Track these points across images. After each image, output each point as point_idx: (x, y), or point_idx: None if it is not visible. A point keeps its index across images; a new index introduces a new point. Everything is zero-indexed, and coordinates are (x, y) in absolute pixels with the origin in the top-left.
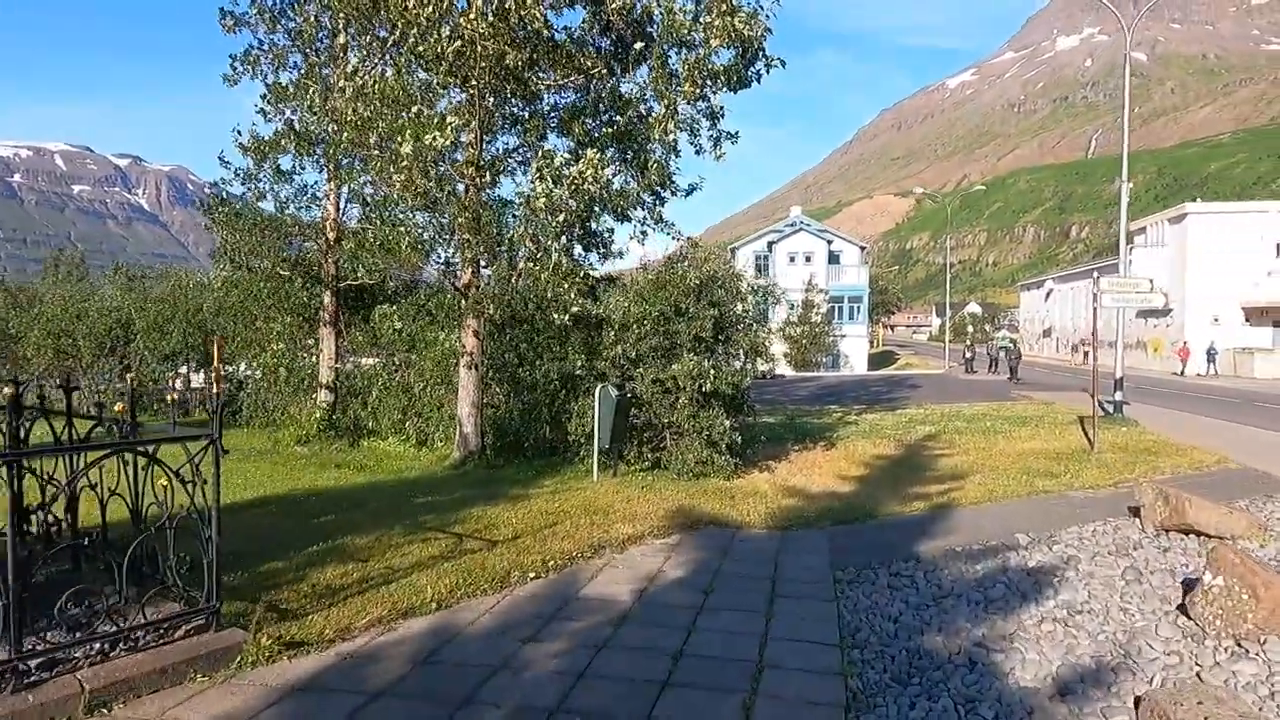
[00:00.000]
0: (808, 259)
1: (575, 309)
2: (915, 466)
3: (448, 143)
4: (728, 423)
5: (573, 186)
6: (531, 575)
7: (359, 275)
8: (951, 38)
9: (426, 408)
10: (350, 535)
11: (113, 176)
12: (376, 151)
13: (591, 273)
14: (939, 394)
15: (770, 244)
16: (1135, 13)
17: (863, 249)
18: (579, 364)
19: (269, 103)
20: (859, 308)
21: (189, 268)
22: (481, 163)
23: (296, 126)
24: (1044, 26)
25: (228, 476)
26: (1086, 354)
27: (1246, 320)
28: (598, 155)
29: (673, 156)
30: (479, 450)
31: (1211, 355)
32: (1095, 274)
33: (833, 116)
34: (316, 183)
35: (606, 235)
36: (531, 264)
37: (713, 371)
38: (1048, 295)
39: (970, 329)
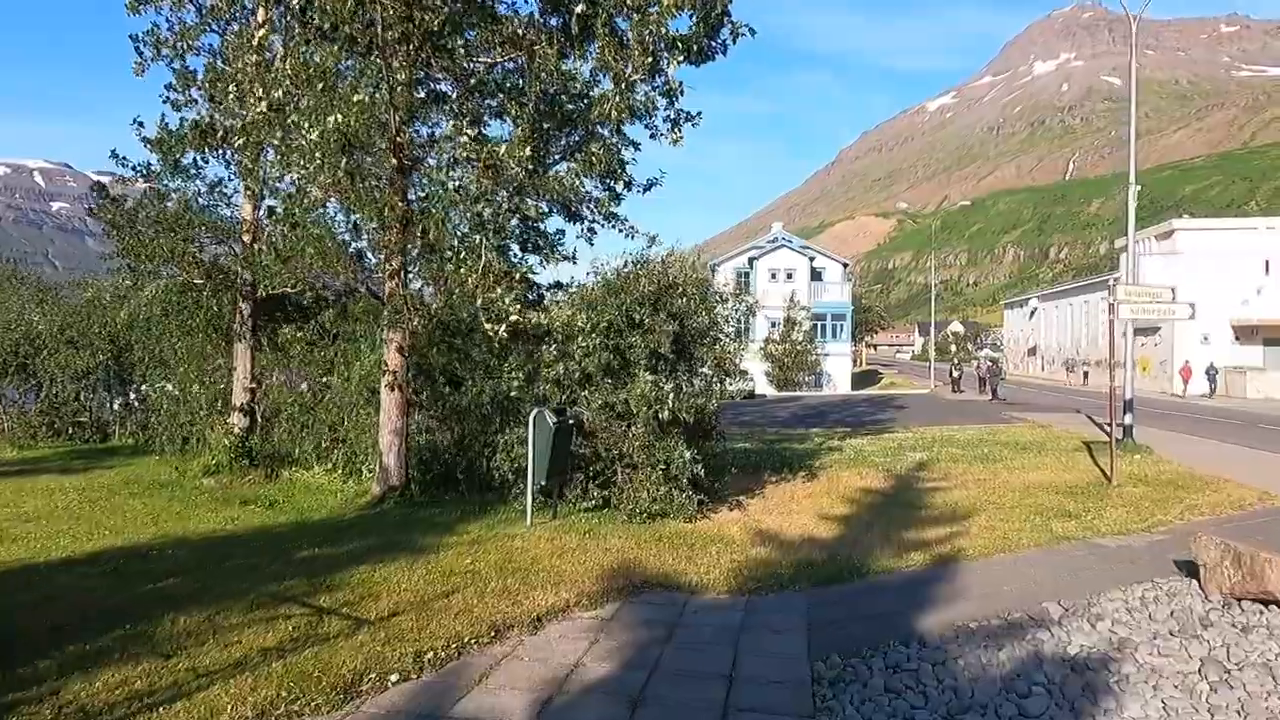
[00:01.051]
0: (789, 276)
1: (514, 317)
2: (908, 503)
3: (355, 121)
4: (689, 454)
5: (491, 168)
6: (394, 678)
7: (268, 285)
8: (931, 60)
9: (353, 433)
10: (177, 611)
11: (92, 194)
12: (281, 141)
13: (532, 277)
14: (927, 415)
15: (751, 260)
16: (1109, 39)
17: (845, 266)
18: (515, 385)
19: (176, 89)
20: (842, 326)
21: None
22: (402, 149)
23: (204, 115)
24: (1021, 51)
25: (102, 518)
26: (1086, 374)
27: (1236, 338)
28: (521, 131)
29: (625, 146)
30: (403, 485)
31: (1211, 375)
32: (1111, 282)
33: (814, 138)
34: (224, 179)
35: (555, 237)
36: (455, 266)
37: (671, 396)
38: (1032, 314)
39: (953, 348)
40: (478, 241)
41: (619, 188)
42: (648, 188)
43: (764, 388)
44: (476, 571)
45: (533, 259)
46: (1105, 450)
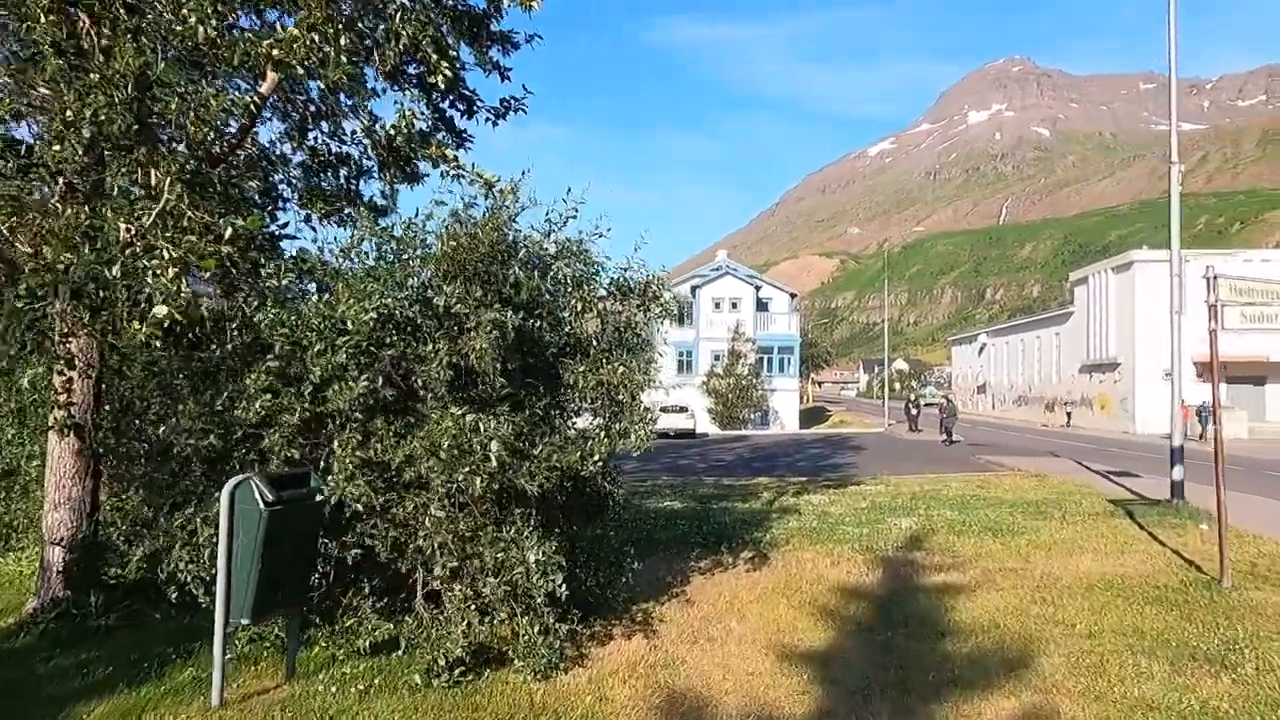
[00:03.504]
0: (734, 305)
1: (171, 304)
2: (920, 619)
3: None
4: (538, 554)
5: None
6: None
7: None
8: (871, 107)
9: (22, 503)
10: None
11: None
12: None
13: (276, 237)
14: (891, 459)
15: (694, 288)
16: (1037, 92)
17: (793, 297)
18: (210, 431)
19: None
20: (790, 360)
21: None
22: None
23: None
24: (957, 101)
25: None
26: (1069, 414)
27: (1199, 376)
28: None
29: (447, 20)
30: (73, 596)
31: (1204, 417)
32: (1210, 270)
33: (757, 181)
34: None
35: (348, 182)
36: (114, 208)
37: (495, 445)
38: (981, 349)
39: (898, 385)
40: (159, 173)
41: (440, 86)
42: (500, 114)
43: (706, 425)
44: None
45: (287, 215)
46: (1149, 514)
